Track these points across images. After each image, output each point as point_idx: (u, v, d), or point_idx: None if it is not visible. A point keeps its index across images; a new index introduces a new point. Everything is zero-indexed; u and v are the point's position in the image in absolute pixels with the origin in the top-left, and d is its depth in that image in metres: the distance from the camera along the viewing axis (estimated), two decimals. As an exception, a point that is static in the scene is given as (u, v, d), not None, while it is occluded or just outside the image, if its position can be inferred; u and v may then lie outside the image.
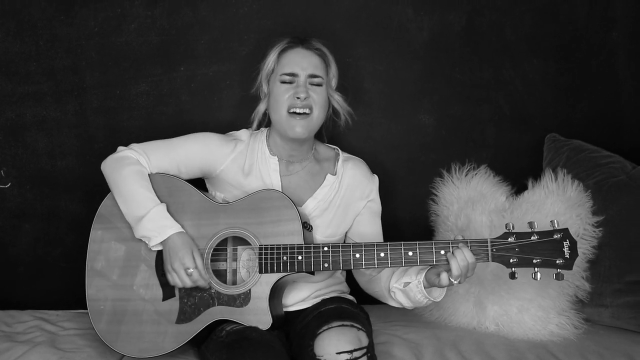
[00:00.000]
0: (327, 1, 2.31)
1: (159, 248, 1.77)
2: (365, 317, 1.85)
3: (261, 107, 1.92)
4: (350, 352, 1.59)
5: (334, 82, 1.90)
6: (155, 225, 1.74)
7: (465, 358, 1.82)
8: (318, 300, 1.88)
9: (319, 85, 1.84)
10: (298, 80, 1.82)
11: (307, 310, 1.83)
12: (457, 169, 2.21)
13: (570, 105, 2.39)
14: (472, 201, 2.10)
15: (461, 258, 1.62)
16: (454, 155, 2.27)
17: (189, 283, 1.72)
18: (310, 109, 1.81)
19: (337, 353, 1.59)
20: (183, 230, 1.76)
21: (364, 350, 1.62)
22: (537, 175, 2.16)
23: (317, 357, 1.61)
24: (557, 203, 2.02)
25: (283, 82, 1.83)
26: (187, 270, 1.71)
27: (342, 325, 1.65)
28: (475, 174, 2.19)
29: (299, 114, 1.80)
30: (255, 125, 1.94)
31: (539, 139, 2.35)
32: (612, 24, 2.39)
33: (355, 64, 2.31)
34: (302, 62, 1.83)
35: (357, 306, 1.90)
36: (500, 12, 2.35)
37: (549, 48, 2.38)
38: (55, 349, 1.82)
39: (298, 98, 1.80)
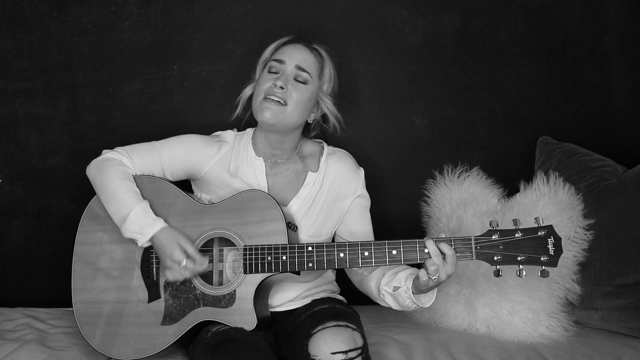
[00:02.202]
0: (321, 1, 2.31)
1: (148, 244, 1.76)
2: (356, 317, 1.85)
3: (247, 91, 1.90)
4: (346, 352, 1.59)
5: (326, 87, 1.86)
6: (137, 225, 1.73)
7: (456, 359, 1.82)
8: (308, 300, 1.88)
9: (304, 82, 1.80)
10: (284, 70, 1.80)
11: (299, 311, 1.83)
12: (450, 171, 2.21)
13: (563, 108, 2.40)
14: (464, 203, 2.11)
15: (432, 249, 1.60)
16: (446, 157, 2.28)
17: (188, 275, 1.71)
18: (285, 102, 1.77)
19: (332, 353, 1.59)
20: (165, 225, 1.74)
21: (359, 351, 1.62)
22: (529, 178, 2.17)
23: (312, 357, 1.61)
24: (548, 206, 2.03)
25: (270, 70, 1.82)
26: (180, 265, 1.70)
27: (337, 326, 1.65)
28: (468, 175, 2.19)
29: (273, 100, 1.77)
30: (239, 109, 1.91)
31: (532, 141, 2.36)
32: (604, 27, 2.40)
33: (349, 65, 2.31)
34: (293, 53, 1.82)
35: (348, 307, 1.90)
36: (494, 14, 2.36)
37: (542, 51, 2.38)
38: (44, 347, 1.82)
39: (274, 86, 1.77)
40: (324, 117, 1.92)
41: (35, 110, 2.26)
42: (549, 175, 2.12)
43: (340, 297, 1.98)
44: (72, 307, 1.83)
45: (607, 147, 2.33)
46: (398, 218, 2.32)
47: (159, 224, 1.74)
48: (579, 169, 2.18)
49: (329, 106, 1.87)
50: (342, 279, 2.04)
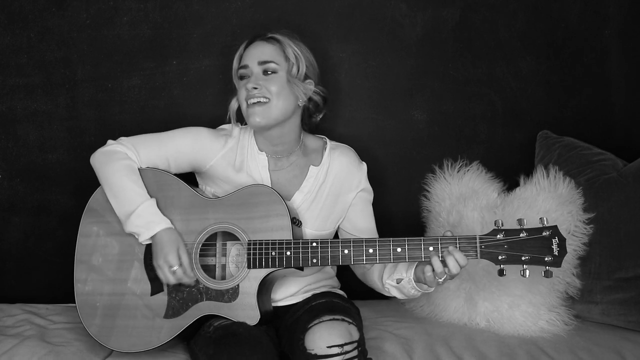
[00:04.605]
0: (320, -5, 2.31)
1: (149, 242, 1.77)
2: (356, 311, 1.85)
3: (233, 104, 1.90)
4: (341, 346, 1.59)
5: (295, 69, 1.81)
6: (143, 221, 1.74)
7: (456, 354, 1.82)
8: (308, 295, 1.88)
9: (273, 72, 1.80)
10: (251, 72, 1.81)
11: (298, 305, 1.83)
12: (450, 165, 2.21)
13: (563, 102, 2.40)
14: (464, 197, 2.11)
15: (453, 265, 1.61)
16: (446, 152, 2.28)
17: (172, 280, 1.72)
18: (267, 97, 1.78)
19: (328, 347, 1.59)
20: (171, 226, 1.76)
21: (355, 344, 1.62)
22: (529, 172, 2.17)
23: (308, 351, 1.61)
24: (548, 200, 2.02)
25: (241, 77, 1.83)
26: (171, 268, 1.71)
27: (333, 319, 1.65)
28: (468, 170, 2.19)
29: (256, 103, 1.78)
30: (232, 123, 1.91)
31: (531, 135, 2.36)
32: (604, 21, 2.39)
33: (349, 60, 2.31)
34: (252, 52, 1.82)
35: (348, 301, 1.90)
36: (494, 9, 2.35)
37: (542, 45, 2.38)
38: (44, 343, 1.82)
39: (248, 90, 1.78)
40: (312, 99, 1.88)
41: (34, 106, 2.26)
42: (548, 170, 2.11)
43: (341, 292, 1.98)
44: (72, 302, 1.83)
45: (607, 141, 2.33)
46: (398, 213, 2.32)
47: (166, 223, 1.75)
48: (578, 163, 2.18)
49: (302, 89, 1.82)
50: (343, 275, 2.04)
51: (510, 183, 2.19)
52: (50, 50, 2.25)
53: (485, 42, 2.36)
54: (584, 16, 2.39)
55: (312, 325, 1.64)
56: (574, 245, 2.03)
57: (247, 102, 1.79)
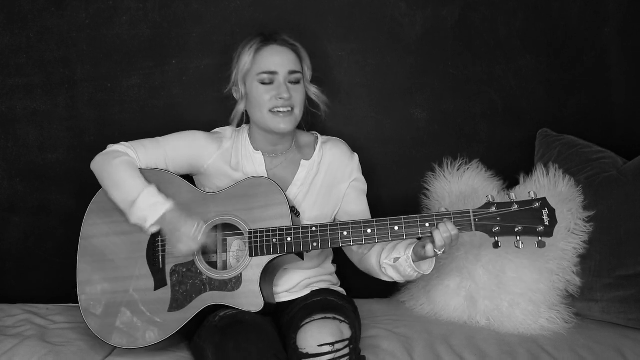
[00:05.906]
0: (320, -6, 2.31)
1: (156, 228, 1.78)
2: (352, 309, 1.85)
3: (241, 107, 1.91)
4: (332, 344, 1.60)
5: (309, 75, 1.91)
6: (148, 203, 1.76)
7: (456, 352, 1.83)
8: (308, 291, 1.89)
9: (297, 82, 1.85)
10: (278, 79, 1.83)
11: (295, 302, 1.85)
12: (449, 164, 2.21)
13: (563, 100, 2.40)
14: (463, 196, 2.11)
15: (444, 230, 1.65)
16: (446, 150, 2.27)
17: (195, 247, 1.74)
18: (293, 108, 1.83)
19: (319, 345, 1.60)
20: (176, 206, 1.77)
21: (346, 342, 1.63)
22: (529, 170, 2.17)
23: (300, 350, 1.62)
24: (548, 198, 2.01)
25: (262, 82, 1.83)
26: (195, 233, 1.73)
27: (324, 318, 1.66)
28: (467, 168, 2.19)
29: (283, 112, 1.82)
30: (235, 124, 1.94)
31: (531, 134, 2.35)
32: (604, 20, 2.39)
33: (348, 58, 2.31)
34: (279, 59, 1.84)
35: (345, 298, 1.91)
36: (493, 7, 2.35)
37: (542, 44, 2.38)
38: (45, 343, 1.82)
39: (281, 98, 1.81)
40: (311, 104, 1.95)
41: (34, 106, 2.26)
42: (548, 168, 2.12)
43: (340, 289, 1.98)
44: (72, 302, 1.86)
45: (607, 139, 2.32)
46: (397, 211, 2.28)
47: (171, 202, 1.77)
48: (578, 161, 2.18)
49: (316, 94, 1.93)
50: (343, 273, 2.04)
51: (510, 181, 2.20)
52: (50, 50, 2.25)
53: (485, 41, 2.36)
54: (583, 15, 2.38)
55: (304, 324, 1.66)
56: (574, 244, 2.03)
57: (270, 110, 1.82)
